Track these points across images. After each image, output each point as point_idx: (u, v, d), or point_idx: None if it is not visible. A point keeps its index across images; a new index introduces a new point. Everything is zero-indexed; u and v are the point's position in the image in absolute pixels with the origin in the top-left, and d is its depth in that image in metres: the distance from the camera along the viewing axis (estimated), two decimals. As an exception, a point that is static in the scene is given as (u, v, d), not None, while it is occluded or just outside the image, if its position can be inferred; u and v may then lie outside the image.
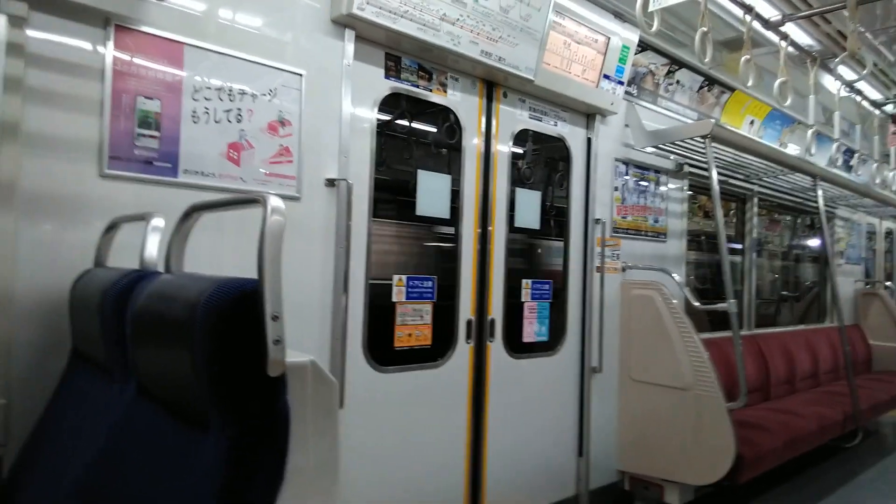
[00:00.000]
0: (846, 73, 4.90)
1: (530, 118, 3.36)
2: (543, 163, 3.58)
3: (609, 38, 3.42)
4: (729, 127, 4.62)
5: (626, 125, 3.87)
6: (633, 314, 3.75)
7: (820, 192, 4.88)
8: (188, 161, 2.10)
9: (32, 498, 1.55)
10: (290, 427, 1.10)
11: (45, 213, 1.84)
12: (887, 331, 6.48)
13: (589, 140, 3.65)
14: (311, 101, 2.42)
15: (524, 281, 3.34)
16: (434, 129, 3.06)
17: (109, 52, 1.94)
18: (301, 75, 2.39)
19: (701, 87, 4.48)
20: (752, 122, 5.06)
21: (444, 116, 3.01)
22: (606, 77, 3.49)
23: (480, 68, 2.96)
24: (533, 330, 3.36)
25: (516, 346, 3.25)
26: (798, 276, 6.81)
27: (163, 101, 2.05)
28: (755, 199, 5.33)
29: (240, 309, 1.05)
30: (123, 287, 1.45)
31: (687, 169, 4.32)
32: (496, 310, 3.14)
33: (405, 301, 2.79)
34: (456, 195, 3.00)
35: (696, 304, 3.86)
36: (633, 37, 3.53)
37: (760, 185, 5.27)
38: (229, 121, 2.20)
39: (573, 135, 3.59)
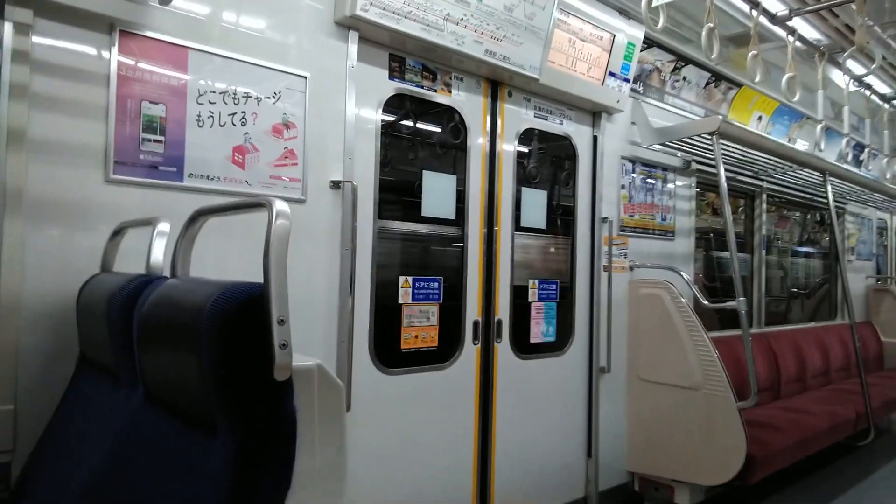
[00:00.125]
0: (855, 67, 4.86)
1: (535, 117, 3.35)
2: (549, 162, 3.56)
3: (614, 36, 3.40)
4: (737, 123, 4.59)
5: (633, 123, 3.85)
6: (642, 313, 3.72)
7: (829, 188, 4.84)
8: (193, 165, 2.11)
9: (41, 503, 1.55)
10: (296, 431, 1.10)
11: (52, 219, 1.85)
12: (899, 327, 6.42)
13: (595, 138, 3.63)
14: (315, 104, 2.42)
15: (531, 281, 3.33)
16: (439, 130, 3.05)
17: (114, 57, 1.95)
18: (305, 78, 2.39)
19: (708, 84, 4.45)
20: (759, 118, 5.02)
21: (448, 116, 3.01)
22: (612, 74, 3.47)
23: (485, 68, 2.95)
24: (540, 330, 3.35)
25: (523, 347, 3.24)
26: (809, 273, 6.76)
27: (167, 105, 2.05)
28: (764, 196, 5.29)
29: (246, 313, 1.05)
30: (130, 292, 1.45)
31: (694, 166, 4.29)
32: (503, 310, 3.13)
33: (411, 302, 2.78)
34: (461, 195, 3.00)
35: (705, 302, 3.83)
36: (638, 33, 3.51)
37: (769, 182, 5.23)
38: (234, 124, 2.20)
39: (579, 133, 3.57)
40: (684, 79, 4.24)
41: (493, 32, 2.84)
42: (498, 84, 3.15)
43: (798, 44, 4.15)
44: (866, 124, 5.92)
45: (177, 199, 2.06)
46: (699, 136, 3.72)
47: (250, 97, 2.25)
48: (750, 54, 3.64)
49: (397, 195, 2.89)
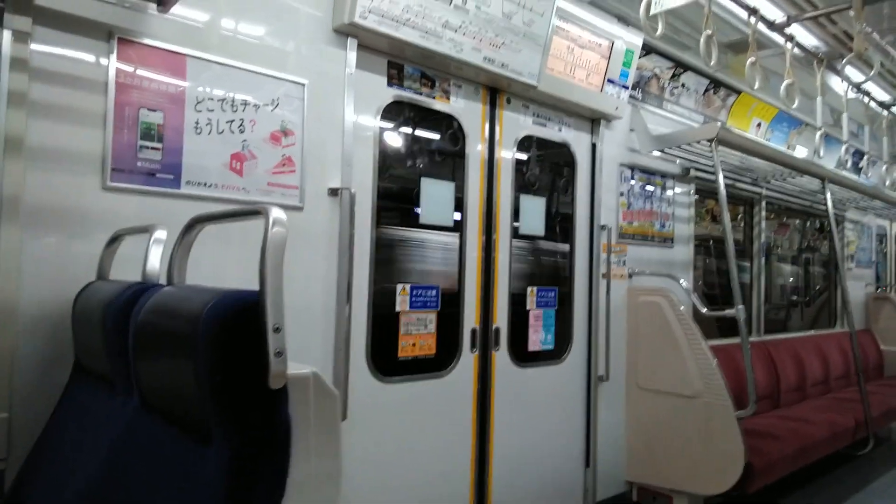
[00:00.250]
0: (853, 74, 4.87)
1: (534, 124, 3.35)
2: (548, 169, 3.57)
3: (613, 43, 3.41)
4: (735, 130, 4.60)
5: (632, 130, 3.86)
6: (640, 321, 3.72)
7: (829, 195, 4.84)
8: (191, 172, 2.11)
9: (35, 511, 1.55)
10: (291, 439, 1.10)
11: (49, 226, 1.85)
12: (899, 335, 6.41)
13: (594, 145, 3.64)
14: (313, 111, 2.42)
15: (529, 288, 3.32)
16: (437, 137, 3.05)
17: (112, 65, 1.95)
18: (303, 85, 2.39)
19: (706, 90, 4.46)
20: (759, 125, 5.03)
21: (447, 123, 3.01)
22: (611, 81, 3.48)
23: (483, 75, 2.96)
24: (538, 338, 3.34)
25: (521, 355, 3.23)
26: (808, 280, 6.75)
27: (166, 112, 2.06)
28: (763, 203, 5.29)
29: (241, 321, 1.05)
30: (126, 300, 1.45)
31: (693, 173, 4.30)
32: (501, 318, 3.13)
33: (409, 310, 2.78)
34: (460, 202, 3.00)
35: (704, 310, 3.83)
36: (637, 41, 3.52)
37: (768, 189, 5.23)
38: (232, 131, 2.21)
39: (578, 140, 3.58)
40: (683, 85, 4.25)
41: (491, 39, 2.84)
42: (496, 91, 3.15)
43: (796, 51, 4.16)
44: (865, 131, 5.93)
45: (174, 207, 2.06)
46: (698, 142, 3.73)
47: (248, 104, 2.25)
48: (748, 61, 3.64)
49: (396, 202, 2.89)
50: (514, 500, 3.16)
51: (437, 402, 2.86)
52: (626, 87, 3.57)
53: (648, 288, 3.74)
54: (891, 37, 4.98)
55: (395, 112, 2.81)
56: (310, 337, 2.41)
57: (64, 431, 1.66)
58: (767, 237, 5.55)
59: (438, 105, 2.93)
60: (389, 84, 2.74)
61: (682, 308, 3.59)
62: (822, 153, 4.70)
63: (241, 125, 2.23)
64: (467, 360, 2.98)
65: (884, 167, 6.06)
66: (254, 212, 1.18)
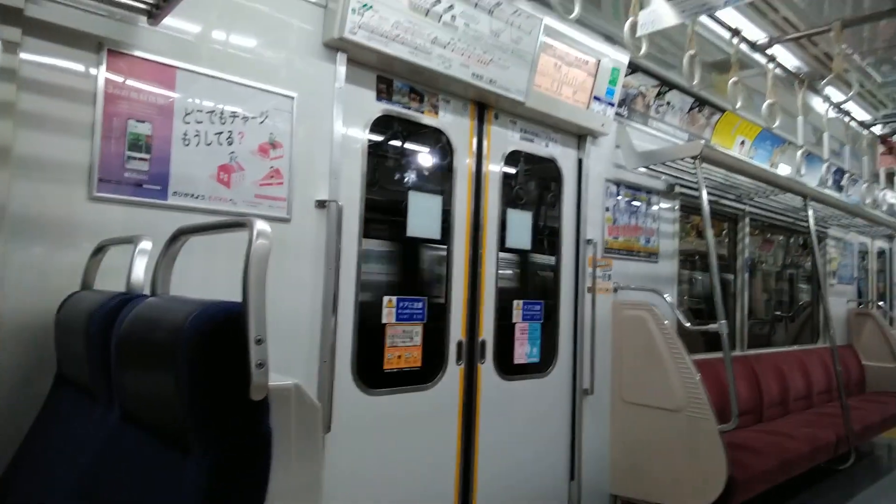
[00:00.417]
0: (834, 94, 4.98)
1: (522, 139, 3.39)
2: (535, 183, 3.61)
3: (599, 61, 3.47)
4: (719, 148, 4.67)
5: (617, 146, 3.91)
6: (625, 335, 3.75)
7: (811, 212, 4.92)
8: (178, 183, 2.11)
9: (14, 523, 1.53)
10: (271, 451, 1.10)
11: (34, 235, 1.85)
12: (881, 351, 6.48)
13: (580, 161, 3.68)
14: (302, 124, 2.44)
15: (515, 301, 3.35)
16: (426, 151, 3.08)
17: (102, 76, 1.96)
18: (292, 98, 2.41)
19: (691, 109, 4.54)
20: (742, 143, 5.11)
21: (435, 138, 3.04)
22: (597, 99, 3.53)
23: (472, 90, 3.00)
24: (524, 351, 3.36)
25: (507, 368, 3.24)
26: (792, 296, 6.83)
27: (154, 123, 2.07)
28: (747, 219, 5.37)
29: (223, 332, 1.06)
30: (109, 310, 1.45)
31: (678, 189, 4.36)
32: (487, 331, 3.14)
33: (395, 322, 2.79)
34: (447, 216, 3.02)
35: (688, 325, 3.86)
36: (623, 59, 3.58)
37: (752, 205, 5.31)
38: (220, 143, 2.22)
39: (564, 156, 3.62)
40: (668, 103, 4.32)
41: (479, 56, 2.89)
42: (484, 107, 3.19)
43: (778, 71, 4.25)
44: (846, 150, 6.04)
45: (161, 217, 2.06)
46: (682, 159, 3.79)
47: (237, 116, 2.27)
48: (731, 81, 3.72)
49: (383, 215, 2.91)
50: (499, 513, 3.16)
51: (422, 414, 2.86)
52: (613, 105, 3.62)
53: (633, 302, 3.77)
54: (871, 58, 5.11)
55: (384, 126, 2.83)
56: (295, 348, 2.41)
57: (45, 442, 1.65)
58: (752, 253, 5.62)
59: (427, 120, 2.96)
60: (378, 98, 2.77)
61: (666, 322, 3.63)
62: (803, 171, 4.79)
63: (229, 137, 2.24)
64: (453, 373, 2.99)
65: (864, 185, 6.17)
66: (238, 224, 1.19)
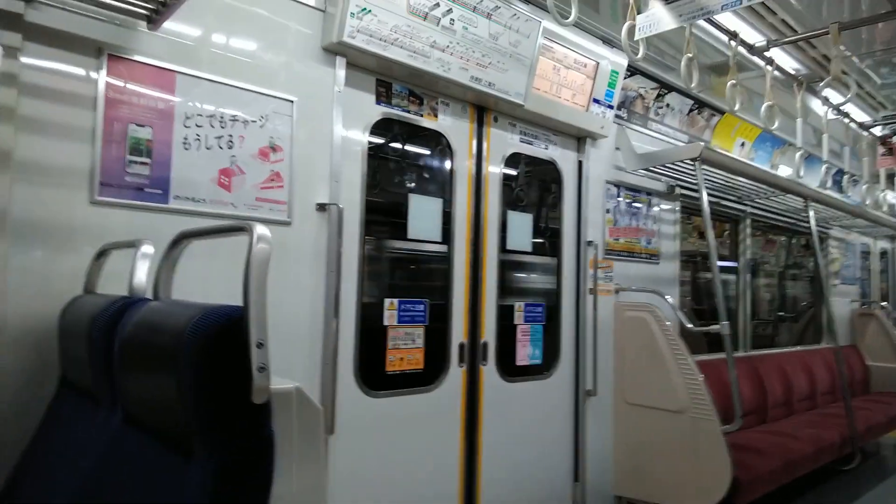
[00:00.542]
0: (833, 95, 4.98)
1: (521, 142, 3.40)
2: (535, 185, 3.61)
3: (598, 63, 3.48)
4: (719, 149, 4.67)
5: (617, 148, 3.91)
6: (627, 336, 3.74)
7: (811, 213, 4.92)
8: (179, 187, 2.12)
9: (17, 528, 1.53)
10: (274, 454, 1.10)
11: (36, 240, 1.85)
12: (885, 351, 6.47)
13: (580, 163, 3.69)
14: (302, 127, 2.45)
15: (517, 303, 3.34)
16: (425, 153, 3.09)
17: (102, 80, 1.97)
18: (292, 102, 2.42)
19: (691, 111, 4.54)
20: (742, 144, 5.11)
21: (435, 140, 3.05)
22: (596, 101, 3.54)
23: (471, 93, 3.00)
24: (526, 353, 3.36)
25: (510, 370, 3.24)
26: (795, 297, 6.82)
27: (154, 128, 2.07)
28: (748, 221, 5.36)
29: (225, 336, 1.06)
30: (112, 314, 1.46)
31: (679, 191, 4.36)
32: (489, 332, 3.14)
33: (397, 325, 2.79)
34: (448, 218, 3.02)
35: (689, 325, 3.86)
36: (622, 61, 3.59)
37: (753, 207, 5.31)
38: (220, 147, 2.23)
39: (564, 158, 3.62)
40: (668, 105, 4.33)
41: (478, 59, 2.89)
42: (484, 109, 3.20)
43: (776, 73, 4.25)
44: (846, 151, 6.04)
45: (162, 221, 2.06)
46: (682, 161, 3.79)
47: (237, 120, 2.27)
48: (729, 83, 3.72)
49: (384, 217, 2.91)
50: (502, 516, 3.15)
51: (425, 416, 2.86)
52: (612, 107, 3.63)
53: (635, 304, 3.77)
54: (869, 60, 5.11)
55: (384, 129, 2.84)
56: (297, 352, 2.41)
57: (49, 446, 1.65)
58: (754, 254, 5.61)
59: (426, 122, 2.96)
60: (378, 101, 2.77)
61: (668, 323, 3.62)
62: (802, 173, 4.79)
63: (229, 141, 2.25)
64: (455, 375, 2.99)
65: (864, 186, 6.17)
66: (239, 228, 1.19)
